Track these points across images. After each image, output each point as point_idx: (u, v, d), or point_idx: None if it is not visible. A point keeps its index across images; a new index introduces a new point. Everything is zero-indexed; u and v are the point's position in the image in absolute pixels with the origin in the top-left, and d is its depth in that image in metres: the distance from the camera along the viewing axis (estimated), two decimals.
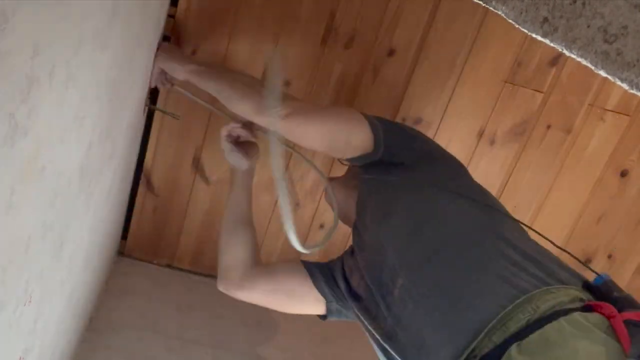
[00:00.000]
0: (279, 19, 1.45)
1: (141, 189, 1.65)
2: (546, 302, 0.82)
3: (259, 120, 1.18)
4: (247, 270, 1.25)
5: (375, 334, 1.03)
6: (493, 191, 1.66)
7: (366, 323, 1.07)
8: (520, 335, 0.80)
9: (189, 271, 1.78)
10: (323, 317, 1.25)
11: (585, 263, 1.12)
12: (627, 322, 0.77)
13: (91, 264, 1.25)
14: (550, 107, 1.56)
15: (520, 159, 1.62)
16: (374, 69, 1.51)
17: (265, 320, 1.72)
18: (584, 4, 0.49)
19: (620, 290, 0.85)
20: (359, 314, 1.10)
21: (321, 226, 1.73)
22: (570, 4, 0.50)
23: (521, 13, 0.57)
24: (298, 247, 1.15)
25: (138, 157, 1.59)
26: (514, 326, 0.81)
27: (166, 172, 1.63)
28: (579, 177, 1.65)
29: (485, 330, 0.83)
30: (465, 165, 1.61)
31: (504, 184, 1.65)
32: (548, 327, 0.78)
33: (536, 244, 1.01)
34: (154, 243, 1.73)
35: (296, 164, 1.63)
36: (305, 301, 1.23)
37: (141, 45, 1.13)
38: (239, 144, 1.31)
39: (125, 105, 1.10)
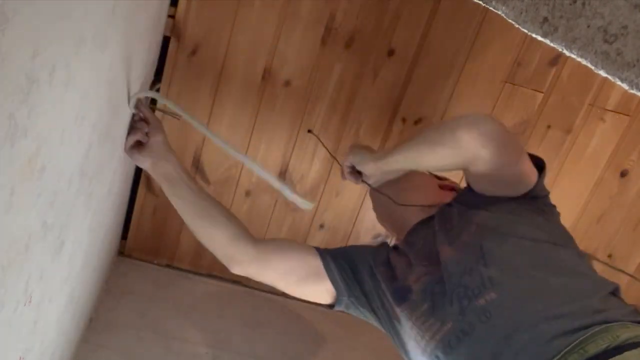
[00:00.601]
0: (279, 19, 1.45)
1: (141, 189, 1.65)
2: (625, 334, 0.85)
3: (468, 134, 1.05)
4: (249, 243, 1.18)
5: (431, 339, 1.00)
6: None
7: (418, 327, 1.04)
8: (599, 358, 0.82)
9: (189, 271, 1.78)
10: (330, 307, 1.21)
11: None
12: None
13: (91, 264, 1.25)
14: (550, 107, 1.56)
15: None
16: (374, 69, 1.51)
17: (265, 320, 1.72)
18: (584, 4, 0.49)
19: None
20: (411, 315, 1.06)
21: (321, 226, 1.73)
22: (570, 4, 0.50)
23: (521, 13, 0.57)
24: (300, 202, 1.12)
25: None
26: (592, 350, 0.84)
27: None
28: (579, 177, 1.65)
29: (563, 352, 0.85)
30: None
31: None
32: (628, 354, 0.81)
33: (612, 283, 1.04)
34: (154, 243, 1.74)
35: (296, 166, 1.63)
36: (315, 290, 1.19)
37: (141, 45, 1.13)
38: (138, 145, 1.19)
39: (125, 105, 1.10)
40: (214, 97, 1.53)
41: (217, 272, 1.78)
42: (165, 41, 1.46)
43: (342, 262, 1.18)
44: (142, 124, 1.16)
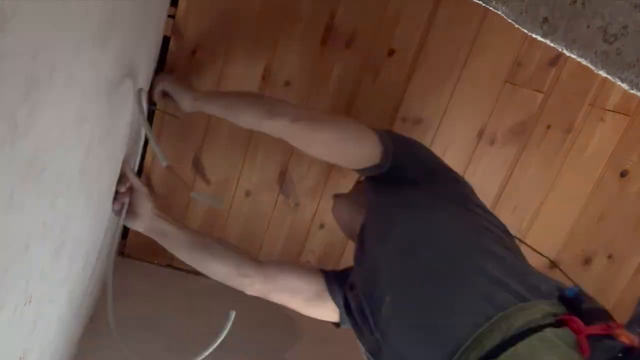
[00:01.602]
0: (279, 19, 1.45)
1: None
2: (519, 320, 0.86)
3: (267, 125, 1.21)
4: (254, 267, 1.25)
5: (364, 348, 1.07)
6: (493, 191, 1.66)
7: (361, 344, 1.10)
8: (494, 353, 0.84)
9: (189, 271, 1.78)
10: (337, 325, 1.28)
11: (557, 265, 1.13)
12: (590, 336, 0.82)
13: (91, 264, 1.25)
14: (550, 107, 1.56)
15: (520, 159, 1.62)
16: (374, 69, 1.51)
17: (265, 320, 1.72)
18: (584, 4, 0.49)
19: (591, 300, 0.90)
20: (356, 335, 1.13)
21: (321, 226, 1.73)
22: (570, 4, 0.50)
23: (521, 13, 0.57)
24: (163, 161, 1.15)
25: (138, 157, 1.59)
26: (489, 345, 0.85)
27: (166, 172, 1.63)
28: (579, 177, 1.65)
29: (462, 349, 0.86)
30: (465, 165, 1.62)
31: (504, 184, 1.65)
32: (520, 346, 0.83)
33: (522, 259, 1.04)
34: (154, 243, 1.73)
35: (296, 166, 1.63)
36: (322, 308, 1.26)
37: (141, 45, 1.13)
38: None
39: (125, 105, 1.10)
40: None
41: None
42: (165, 41, 1.46)
43: (344, 281, 1.23)
44: (127, 194, 1.22)
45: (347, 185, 1.65)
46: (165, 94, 1.40)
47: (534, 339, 0.83)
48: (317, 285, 1.24)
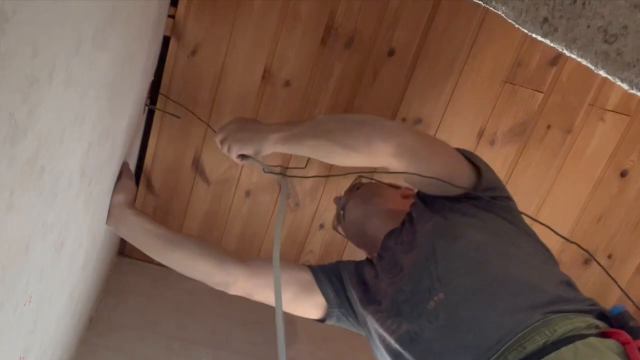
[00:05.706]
0: (279, 19, 1.45)
1: (141, 189, 1.65)
2: (563, 327, 0.86)
3: (384, 148, 1.05)
4: (238, 263, 1.20)
5: (391, 337, 1.03)
6: None
7: (380, 327, 1.07)
8: (537, 355, 0.83)
9: None
10: (321, 321, 1.24)
11: (587, 262, 1.11)
12: None
13: (91, 263, 1.25)
14: (550, 107, 1.56)
15: (520, 159, 1.62)
16: (374, 69, 1.51)
17: (265, 320, 1.72)
18: (584, 4, 0.49)
19: (635, 320, 0.88)
20: (375, 317, 1.10)
21: (321, 226, 1.73)
22: (570, 4, 0.50)
23: (521, 13, 0.57)
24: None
25: (138, 157, 1.59)
26: (530, 347, 0.84)
27: (166, 172, 1.63)
28: (579, 177, 1.65)
29: (502, 350, 0.86)
30: None
31: (504, 184, 1.65)
32: (564, 349, 0.81)
33: (562, 273, 1.04)
34: None
35: (296, 166, 1.63)
36: (307, 305, 1.21)
37: (141, 45, 1.13)
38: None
39: (125, 105, 1.10)
40: (214, 97, 1.53)
41: None
42: (165, 41, 1.46)
43: (332, 276, 1.21)
44: None
45: (346, 185, 1.65)
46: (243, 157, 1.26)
47: (578, 344, 0.82)
48: (304, 278, 1.20)
